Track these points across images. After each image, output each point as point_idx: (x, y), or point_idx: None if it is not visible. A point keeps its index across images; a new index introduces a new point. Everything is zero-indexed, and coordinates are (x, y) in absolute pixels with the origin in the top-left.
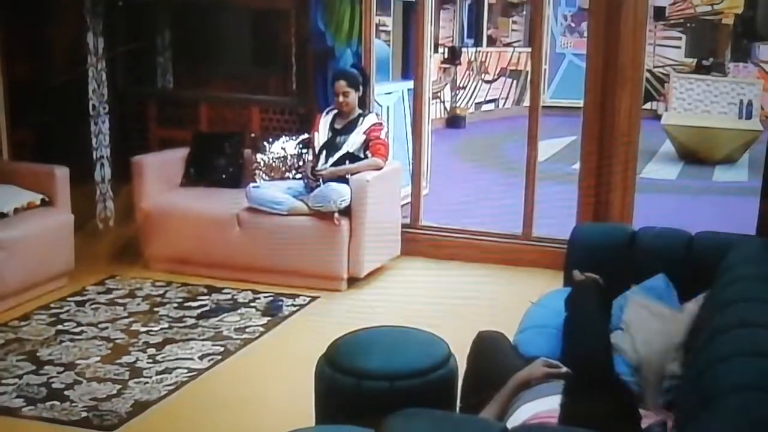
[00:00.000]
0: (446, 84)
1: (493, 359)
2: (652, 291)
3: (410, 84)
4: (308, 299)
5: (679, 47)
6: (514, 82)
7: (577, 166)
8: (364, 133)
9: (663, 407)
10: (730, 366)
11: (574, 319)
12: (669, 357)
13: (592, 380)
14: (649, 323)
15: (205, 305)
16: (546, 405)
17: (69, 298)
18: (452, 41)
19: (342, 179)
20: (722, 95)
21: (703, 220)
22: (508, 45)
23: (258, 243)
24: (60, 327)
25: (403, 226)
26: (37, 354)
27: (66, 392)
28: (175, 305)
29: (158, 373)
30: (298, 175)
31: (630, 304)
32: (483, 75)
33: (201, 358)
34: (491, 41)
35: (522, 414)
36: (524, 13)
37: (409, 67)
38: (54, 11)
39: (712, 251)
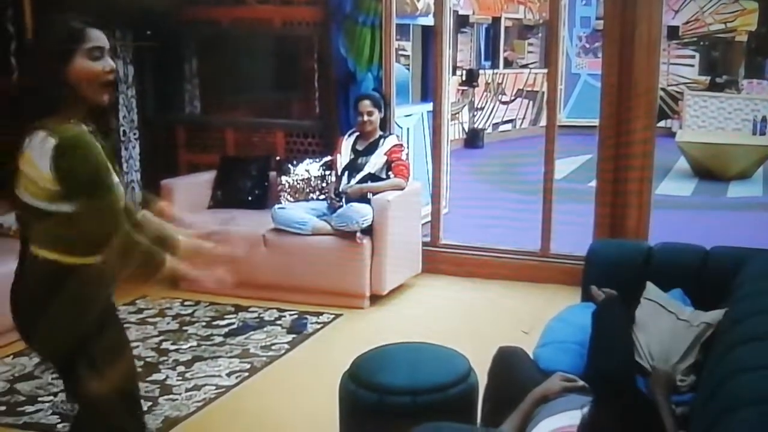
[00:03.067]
0: (464, 105)
1: (514, 374)
2: None
3: (429, 106)
4: (332, 317)
5: (692, 65)
6: (531, 102)
7: (593, 183)
8: (385, 154)
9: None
10: (747, 379)
11: (601, 334)
12: (677, 361)
13: (617, 396)
14: (660, 322)
15: (233, 323)
16: (567, 420)
17: None
18: (470, 64)
19: (364, 199)
20: (736, 112)
21: (719, 235)
22: (524, 66)
23: (283, 262)
24: None
25: (424, 244)
26: None
27: None
28: (204, 324)
29: (188, 390)
30: (322, 196)
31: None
32: (500, 96)
33: (229, 375)
34: (508, 63)
35: (542, 428)
36: (540, 35)
37: (428, 89)
38: None
39: (728, 266)
